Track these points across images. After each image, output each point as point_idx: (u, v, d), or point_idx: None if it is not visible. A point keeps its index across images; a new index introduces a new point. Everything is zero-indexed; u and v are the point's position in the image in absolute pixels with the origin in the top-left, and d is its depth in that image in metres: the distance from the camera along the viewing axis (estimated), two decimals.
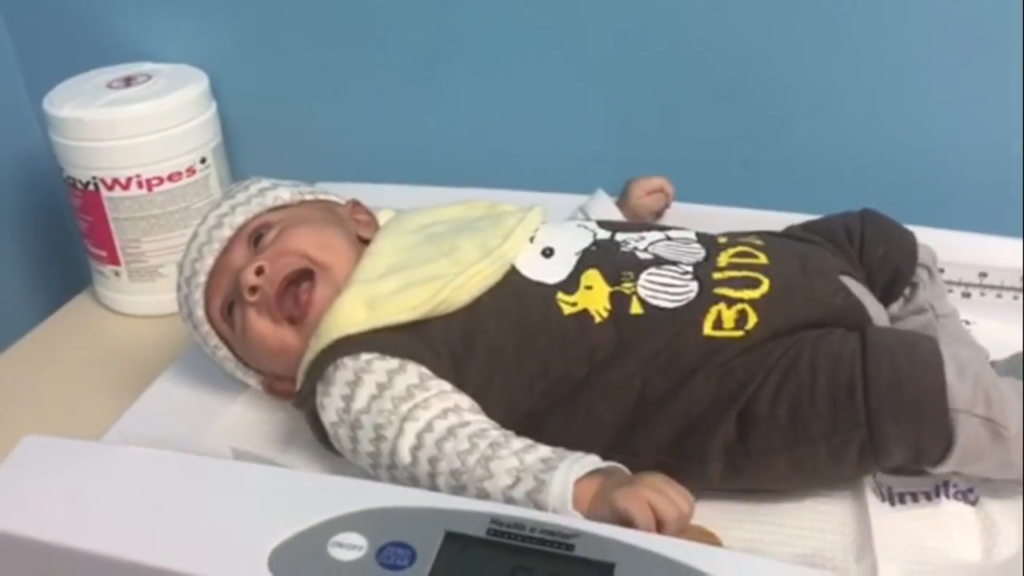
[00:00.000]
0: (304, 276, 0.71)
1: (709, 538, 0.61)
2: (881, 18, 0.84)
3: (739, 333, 0.64)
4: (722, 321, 0.65)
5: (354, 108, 1.02)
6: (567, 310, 0.67)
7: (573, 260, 0.70)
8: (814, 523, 0.63)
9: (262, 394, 0.78)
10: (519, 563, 0.52)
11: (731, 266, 0.68)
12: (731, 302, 0.65)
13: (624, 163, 0.90)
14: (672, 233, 0.73)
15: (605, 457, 0.65)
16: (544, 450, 0.61)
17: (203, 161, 0.95)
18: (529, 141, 0.98)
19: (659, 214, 0.88)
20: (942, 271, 0.79)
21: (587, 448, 0.65)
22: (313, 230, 0.73)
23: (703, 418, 0.63)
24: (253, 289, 0.70)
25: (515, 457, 0.60)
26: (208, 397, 0.79)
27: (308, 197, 0.78)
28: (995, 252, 0.81)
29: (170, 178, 0.93)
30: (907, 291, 0.75)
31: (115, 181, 0.92)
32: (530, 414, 0.67)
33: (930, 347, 0.61)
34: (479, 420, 0.63)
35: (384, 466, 0.64)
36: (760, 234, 0.75)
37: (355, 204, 0.80)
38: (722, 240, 0.73)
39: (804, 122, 0.89)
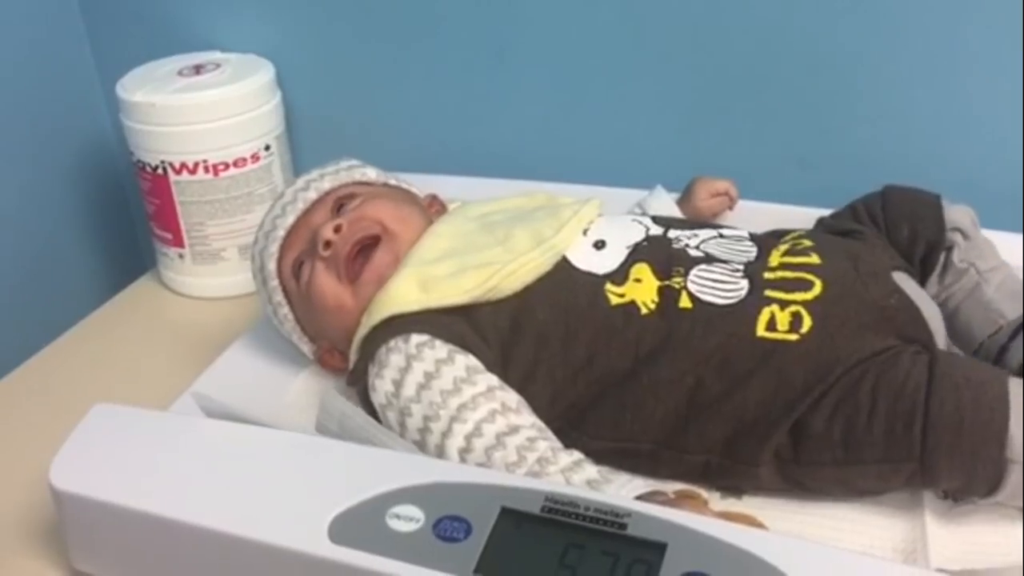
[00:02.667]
0: (376, 244, 0.73)
1: (755, 526, 0.62)
2: (935, 16, 0.84)
3: (794, 336, 0.64)
4: (775, 323, 0.65)
5: (416, 99, 1.03)
6: (614, 300, 0.68)
7: (624, 253, 0.71)
8: (866, 518, 0.63)
9: (322, 370, 0.80)
10: (572, 540, 0.53)
11: (783, 266, 0.68)
12: (784, 304, 0.65)
13: (683, 160, 0.91)
14: (725, 231, 0.74)
15: (654, 454, 0.67)
16: (591, 470, 0.61)
17: (267, 148, 0.97)
18: (591, 135, 0.98)
19: (719, 216, 0.89)
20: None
21: (636, 442, 0.67)
22: (394, 205, 0.76)
23: (757, 423, 0.63)
24: (327, 244, 0.72)
25: (561, 476, 0.60)
26: (274, 369, 0.81)
27: (392, 181, 0.81)
28: (998, 247, 0.77)
29: (235, 164, 0.95)
30: (943, 257, 0.74)
31: (183, 165, 0.94)
32: (574, 404, 0.68)
33: (998, 389, 0.59)
34: (528, 425, 0.63)
35: (430, 453, 0.65)
36: (811, 232, 0.75)
37: (433, 197, 0.83)
38: (773, 239, 0.73)
39: (861, 122, 0.89)
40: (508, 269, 0.69)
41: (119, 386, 0.86)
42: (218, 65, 0.99)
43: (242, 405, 0.64)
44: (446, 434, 0.63)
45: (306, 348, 0.79)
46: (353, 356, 0.72)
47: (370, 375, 0.69)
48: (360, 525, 0.55)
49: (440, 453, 0.64)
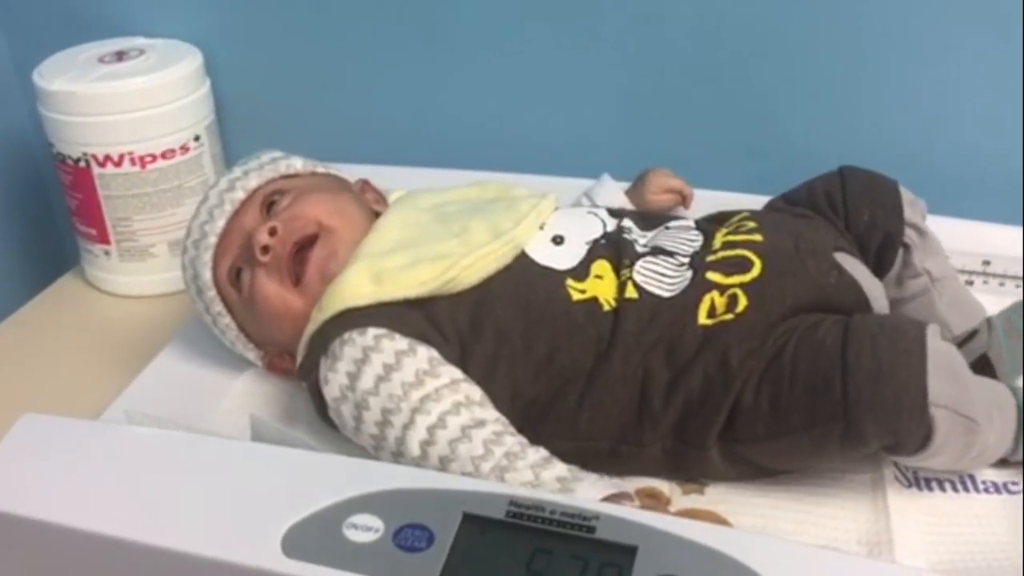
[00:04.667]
0: (314, 241, 0.70)
1: (720, 523, 0.61)
2: (887, 5, 0.84)
3: (730, 316, 0.63)
4: (715, 308, 0.64)
5: (353, 86, 1.00)
6: (576, 296, 0.66)
7: (584, 249, 0.69)
8: (829, 511, 0.62)
9: (264, 372, 0.77)
10: (539, 545, 0.51)
11: (725, 245, 0.68)
12: (723, 289, 0.65)
13: (629, 148, 0.90)
14: (671, 223, 0.73)
15: (613, 450, 0.65)
16: (560, 467, 0.60)
17: (197, 139, 0.93)
18: (534, 123, 0.96)
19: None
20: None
21: (594, 440, 0.65)
22: (328, 197, 0.73)
23: (701, 406, 0.63)
24: (265, 249, 0.69)
25: (531, 471, 0.59)
26: (210, 374, 0.77)
27: (320, 170, 0.78)
28: (999, 240, 0.81)
29: (163, 155, 0.91)
30: (901, 252, 0.73)
31: (107, 158, 0.89)
32: (534, 401, 0.66)
33: (914, 335, 0.58)
34: (492, 420, 0.62)
35: (388, 450, 0.63)
36: (756, 212, 0.74)
37: (365, 183, 0.80)
38: (717, 223, 0.72)
39: (809, 109, 0.89)
40: (466, 261, 0.67)
41: (44, 392, 0.81)
42: (142, 51, 0.94)
43: (179, 419, 0.61)
44: (407, 426, 0.61)
45: (252, 355, 0.76)
46: (302, 351, 0.69)
47: (322, 368, 0.66)
48: (315, 537, 0.52)
49: (399, 447, 0.61)
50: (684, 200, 0.86)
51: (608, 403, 0.64)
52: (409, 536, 0.52)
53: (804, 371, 0.59)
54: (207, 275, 0.72)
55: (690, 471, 0.65)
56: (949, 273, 0.76)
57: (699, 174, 0.87)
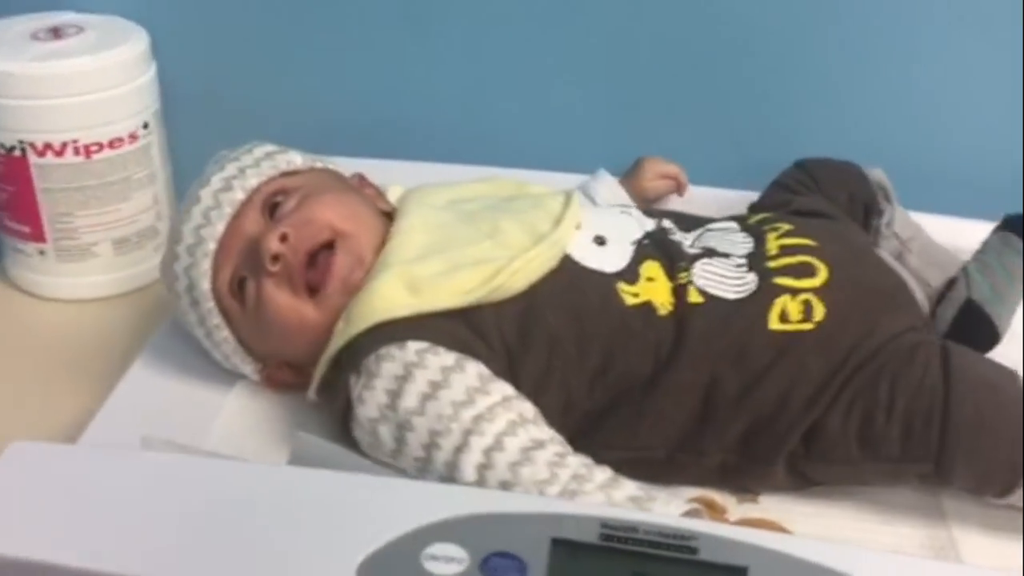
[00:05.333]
0: (329, 248, 0.64)
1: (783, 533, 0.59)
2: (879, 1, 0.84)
3: (809, 326, 0.61)
4: (787, 314, 0.62)
5: (316, 72, 0.93)
6: (629, 300, 0.63)
7: (629, 250, 0.66)
8: (885, 515, 0.62)
9: (254, 385, 0.70)
10: (638, 570, 0.48)
11: (783, 250, 0.66)
12: (794, 292, 0.63)
13: (619, 145, 0.86)
14: (712, 225, 0.70)
15: (670, 459, 0.63)
16: (629, 486, 0.57)
17: (146, 127, 0.84)
18: (518, 115, 0.92)
19: (662, 199, 0.86)
20: None
21: (650, 449, 0.63)
22: (338, 199, 0.67)
23: (775, 420, 0.61)
24: (275, 258, 0.63)
25: (602, 493, 0.56)
26: (195, 390, 0.69)
27: (319, 165, 0.71)
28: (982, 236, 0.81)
29: (111, 144, 0.82)
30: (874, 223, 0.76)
31: (47, 146, 0.80)
32: (588, 413, 0.63)
33: (1013, 392, 0.59)
34: (550, 439, 0.58)
35: (435, 473, 0.58)
36: (781, 216, 0.72)
37: (361, 178, 0.74)
38: (763, 225, 0.69)
39: (800, 105, 0.88)
40: (514, 266, 0.62)
41: None
42: (81, 29, 0.85)
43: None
44: (460, 449, 0.56)
45: (248, 369, 0.69)
46: (323, 369, 0.64)
47: (354, 387, 0.61)
48: (393, 569, 0.47)
49: (451, 471, 0.57)
50: (680, 187, 0.84)
51: (671, 410, 0.61)
52: (498, 566, 0.48)
53: (903, 408, 0.59)
54: (205, 285, 0.65)
55: (746, 482, 0.63)
56: (914, 231, 0.77)
57: (688, 168, 0.85)
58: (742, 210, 0.79)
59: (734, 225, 0.70)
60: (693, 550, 0.48)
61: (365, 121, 0.94)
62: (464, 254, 0.64)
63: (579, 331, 0.62)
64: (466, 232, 0.66)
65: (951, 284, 0.70)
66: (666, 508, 0.55)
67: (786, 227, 0.68)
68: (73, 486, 0.51)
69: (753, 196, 0.82)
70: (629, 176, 0.84)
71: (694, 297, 0.63)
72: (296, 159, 0.70)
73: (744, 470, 0.62)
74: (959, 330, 0.67)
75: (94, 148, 0.81)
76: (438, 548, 0.48)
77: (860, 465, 0.60)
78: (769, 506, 0.62)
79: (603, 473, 0.57)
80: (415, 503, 0.49)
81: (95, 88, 0.80)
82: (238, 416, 0.68)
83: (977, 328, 0.67)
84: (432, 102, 0.93)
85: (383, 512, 0.49)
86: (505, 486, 0.56)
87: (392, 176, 0.79)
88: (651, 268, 0.64)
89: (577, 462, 0.57)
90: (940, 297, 0.70)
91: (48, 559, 0.48)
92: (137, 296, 0.88)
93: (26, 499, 0.51)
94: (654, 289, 0.63)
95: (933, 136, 0.87)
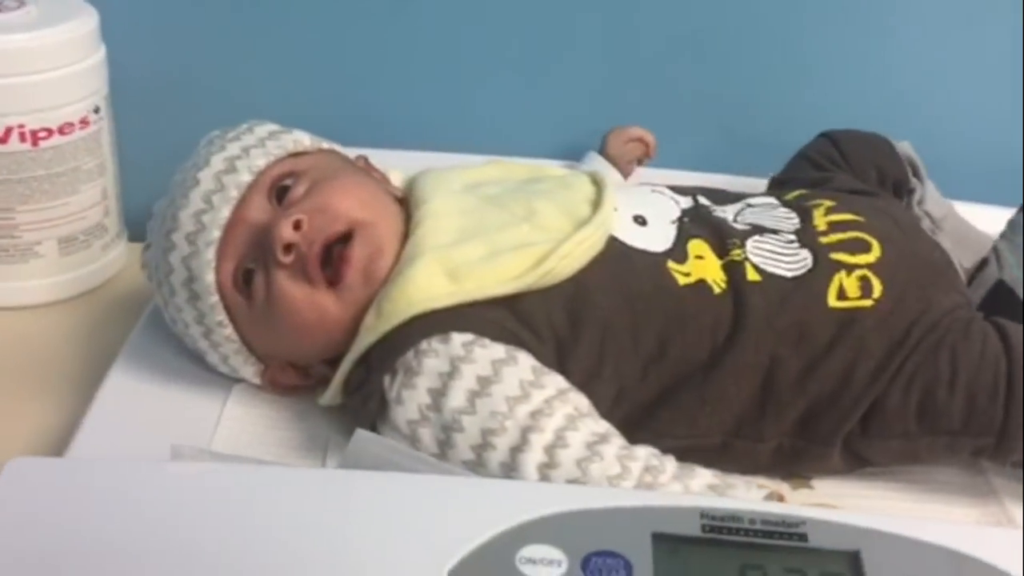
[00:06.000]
0: (348, 238, 0.59)
1: None
2: None
3: (868, 302, 0.59)
4: (845, 290, 0.60)
5: (281, 52, 0.87)
6: (682, 280, 0.60)
7: (672, 229, 0.63)
8: (937, 493, 0.60)
9: (252, 388, 0.64)
10: (747, 561, 0.45)
11: (832, 227, 0.63)
12: (850, 269, 0.61)
13: (603, 128, 0.84)
14: (752, 200, 0.68)
15: (726, 446, 0.60)
16: (705, 473, 0.54)
17: (97, 111, 0.76)
18: (497, 100, 0.88)
19: (639, 163, 0.84)
20: None
21: (707, 437, 0.60)
22: (353, 184, 0.62)
23: (836, 399, 0.59)
24: (288, 248, 0.57)
25: (678, 483, 0.53)
26: (189, 397, 0.63)
27: (325, 146, 0.66)
28: (996, 223, 0.77)
29: (61, 130, 0.74)
30: (906, 200, 0.74)
31: None
32: (640, 403, 0.59)
33: None
34: (611, 433, 0.55)
35: (491, 473, 0.53)
36: (825, 192, 0.70)
37: (365, 160, 0.68)
38: (805, 201, 0.67)
39: (791, 91, 0.87)
40: (564, 249, 0.58)
41: None
42: (22, 3, 0.76)
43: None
44: (519, 449, 0.52)
45: (249, 371, 0.63)
46: (349, 366, 0.58)
47: (390, 387, 0.55)
48: (486, 575, 0.43)
49: (507, 472, 0.52)
50: (648, 148, 0.82)
51: (732, 395, 0.58)
52: (601, 566, 0.44)
53: (966, 380, 0.57)
54: (210, 277, 0.59)
55: (799, 467, 0.61)
56: (947, 210, 0.76)
57: (675, 154, 0.84)
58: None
59: (774, 201, 0.67)
60: (803, 536, 0.45)
61: (329, 109, 0.88)
62: (503, 238, 0.59)
63: (633, 315, 0.58)
64: (499, 215, 0.62)
65: (982, 265, 0.70)
66: (748, 494, 0.52)
67: (829, 203, 0.66)
68: (105, 505, 0.44)
69: (743, 181, 0.80)
70: (603, 149, 0.82)
71: (752, 275, 0.60)
72: (304, 139, 0.64)
73: (800, 453, 0.60)
74: (989, 310, 0.66)
75: (42, 134, 0.73)
76: (533, 550, 0.44)
77: (918, 440, 0.59)
78: (824, 491, 0.60)
79: (672, 462, 0.54)
80: (503, 503, 0.45)
81: (44, 67, 0.72)
82: (243, 424, 0.61)
83: (1007, 308, 0.66)
84: (403, 87, 0.88)
85: (469, 514, 0.44)
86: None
87: None
88: (698, 246, 0.62)
89: (645, 453, 0.54)
90: (971, 278, 0.69)
91: None
92: (82, 301, 0.80)
93: (47, 522, 0.44)
94: (704, 267, 0.60)
95: (932, 119, 0.87)
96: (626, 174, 0.82)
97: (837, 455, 0.60)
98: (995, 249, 0.71)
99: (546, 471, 0.52)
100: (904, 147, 0.77)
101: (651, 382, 0.59)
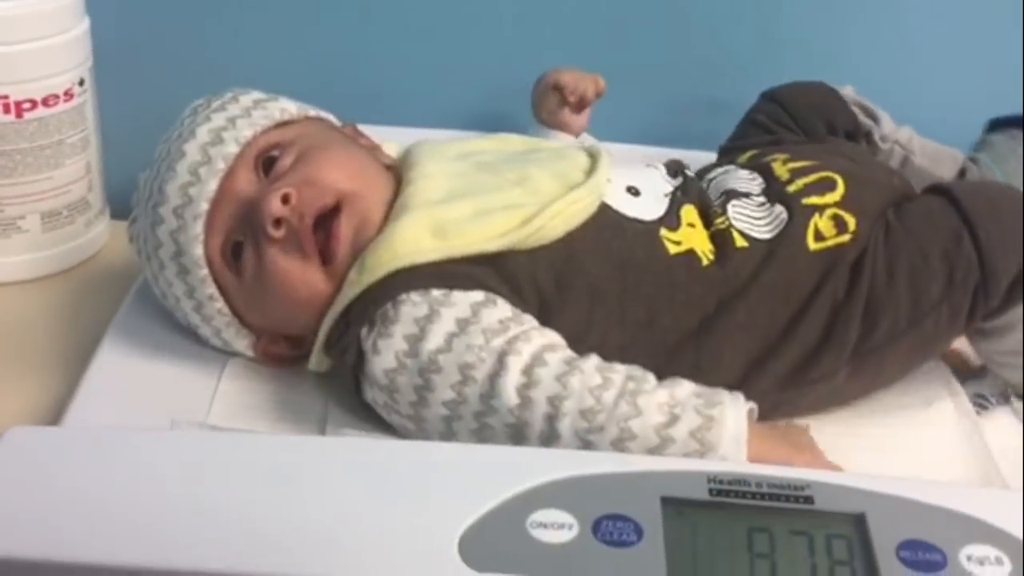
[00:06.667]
0: (336, 212, 0.59)
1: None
2: None
3: (845, 238, 0.60)
4: (821, 232, 0.61)
5: (261, 33, 0.86)
6: (673, 249, 0.60)
7: (664, 201, 0.63)
8: (928, 451, 0.60)
9: (246, 362, 0.63)
10: (754, 524, 0.45)
11: (795, 174, 0.64)
12: (822, 209, 0.61)
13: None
14: (715, 171, 0.68)
15: None
16: (688, 384, 0.54)
17: (81, 84, 0.75)
18: (467, 74, 0.88)
19: (579, 107, 0.78)
20: None
21: None
22: (342, 155, 0.61)
23: (832, 332, 0.59)
24: (278, 222, 0.56)
25: (664, 390, 0.53)
26: (181, 371, 0.62)
27: (312, 113, 0.65)
28: None
29: (45, 102, 0.73)
30: (864, 142, 0.75)
31: None
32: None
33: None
34: (591, 356, 0.55)
35: (468, 415, 0.53)
36: (775, 148, 0.70)
37: (355, 129, 0.68)
38: (761, 159, 0.68)
39: (776, 65, 0.86)
40: (554, 209, 0.58)
41: None
42: None
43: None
44: (497, 375, 0.52)
45: (243, 344, 0.62)
46: (329, 325, 0.58)
47: (366, 339, 0.55)
48: (498, 539, 0.43)
49: (486, 403, 0.53)
50: (566, 93, 0.76)
51: (729, 356, 0.59)
52: (612, 530, 0.44)
53: (931, 238, 0.59)
54: (198, 251, 0.58)
55: (803, 402, 0.61)
56: (911, 133, 0.77)
57: (660, 130, 0.84)
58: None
59: (731, 167, 0.68)
60: (809, 499, 0.46)
61: (315, 81, 0.86)
62: (493, 199, 0.59)
63: (622, 282, 0.59)
64: (492, 179, 0.62)
65: (962, 174, 0.73)
66: (735, 406, 0.53)
67: (783, 156, 0.67)
68: (105, 471, 0.44)
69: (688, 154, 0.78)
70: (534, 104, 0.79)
71: (739, 241, 0.61)
72: (290, 107, 0.63)
73: (802, 386, 0.60)
74: None
75: (27, 105, 0.72)
76: (543, 514, 0.44)
77: (922, 323, 0.59)
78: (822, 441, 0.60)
79: (652, 375, 0.54)
80: (513, 468, 0.45)
81: (27, 36, 0.71)
82: (239, 397, 0.60)
83: None
84: (378, 63, 0.87)
85: (480, 479, 0.44)
86: (555, 401, 0.52)
87: None
88: (690, 212, 0.62)
89: (624, 367, 0.54)
90: None
91: (100, 560, 0.41)
92: (65, 278, 0.79)
93: (47, 490, 0.43)
94: (694, 236, 0.61)
95: (918, 99, 0.86)
96: (567, 126, 0.78)
97: (843, 381, 0.60)
98: (971, 159, 0.74)
99: (525, 392, 0.52)
100: (848, 92, 0.77)
101: (638, 352, 0.58)
